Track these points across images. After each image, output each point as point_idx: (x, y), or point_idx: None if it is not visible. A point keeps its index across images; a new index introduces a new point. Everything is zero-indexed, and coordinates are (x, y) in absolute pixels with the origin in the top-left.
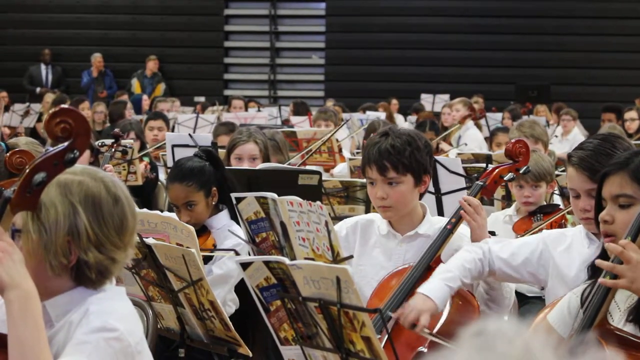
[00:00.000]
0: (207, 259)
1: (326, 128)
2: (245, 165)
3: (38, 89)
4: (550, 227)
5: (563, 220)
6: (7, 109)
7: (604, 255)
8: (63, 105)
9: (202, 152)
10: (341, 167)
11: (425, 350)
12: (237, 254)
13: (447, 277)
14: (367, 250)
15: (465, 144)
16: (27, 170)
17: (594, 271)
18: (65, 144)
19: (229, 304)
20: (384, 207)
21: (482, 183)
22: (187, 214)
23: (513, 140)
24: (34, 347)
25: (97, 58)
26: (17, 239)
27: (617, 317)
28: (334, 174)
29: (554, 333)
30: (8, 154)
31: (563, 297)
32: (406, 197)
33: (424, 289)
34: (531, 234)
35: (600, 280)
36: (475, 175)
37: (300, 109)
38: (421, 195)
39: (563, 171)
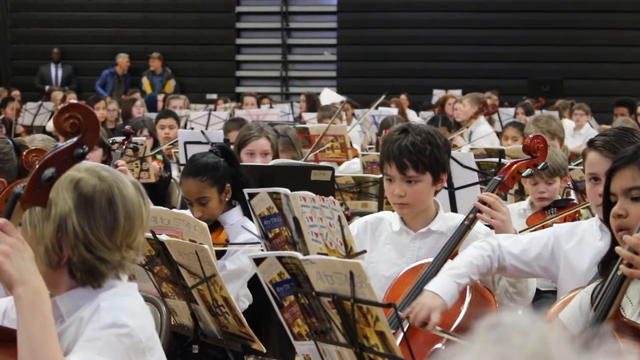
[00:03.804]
0: (220, 254)
1: (334, 125)
2: (258, 161)
3: (47, 87)
4: (564, 221)
5: (577, 215)
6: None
7: (613, 248)
8: (72, 101)
9: (217, 148)
10: (345, 164)
11: (442, 347)
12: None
13: (455, 273)
14: (378, 247)
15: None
16: (37, 166)
17: (604, 267)
18: (75, 139)
19: (242, 300)
20: (401, 204)
21: (500, 178)
22: (200, 209)
23: (531, 136)
24: (44, 343)
25: (124, 58)
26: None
27: (630, 312)
28: (340, 171)
29: (566, 331)
30: (24, 153)
31: (574, 293)
32: (424, 195)
33: (432, 286)
34: (539, 228)
35: (622, 267)
36: (493, 170)
37: (311, 102)
38: (436, 192)
39: (578, 165)
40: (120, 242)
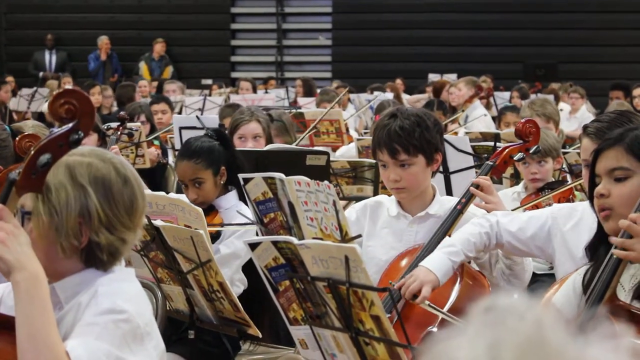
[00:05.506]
0: (214, 238)
1: (333, 109)
2: (249, 145)
3: (41, 74)
4: (558, 201)
5: (571, 196)
6: (14, 93)
7: (600, 231)
8: (67, 87)
9: (212, 132)
10: (343, 149)
11: (436, 329)
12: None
13: (450, 251)
14: (376, 231)
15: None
16: (32, 152)
17: (592, 252)
18: (70, 125)
19: (236, 284)
20: (398, 189)
21: (492, 163)
22: (194, 191)
23: (523, 120)
24: (42, 327)
25: (103, 40)
26: (27, 221)
27: (622, 297)
28: (337, 156)
29: (561, 314)
30: (17, 138)
31: (569, 275)
32: (419, 177)
33: (427, 262)
34: (532, 207)
35: (613, 251)
36: (486, 155)
37: (308, 86)
38: (433, 173)
39: (574, 148)
40: (137, 222)
